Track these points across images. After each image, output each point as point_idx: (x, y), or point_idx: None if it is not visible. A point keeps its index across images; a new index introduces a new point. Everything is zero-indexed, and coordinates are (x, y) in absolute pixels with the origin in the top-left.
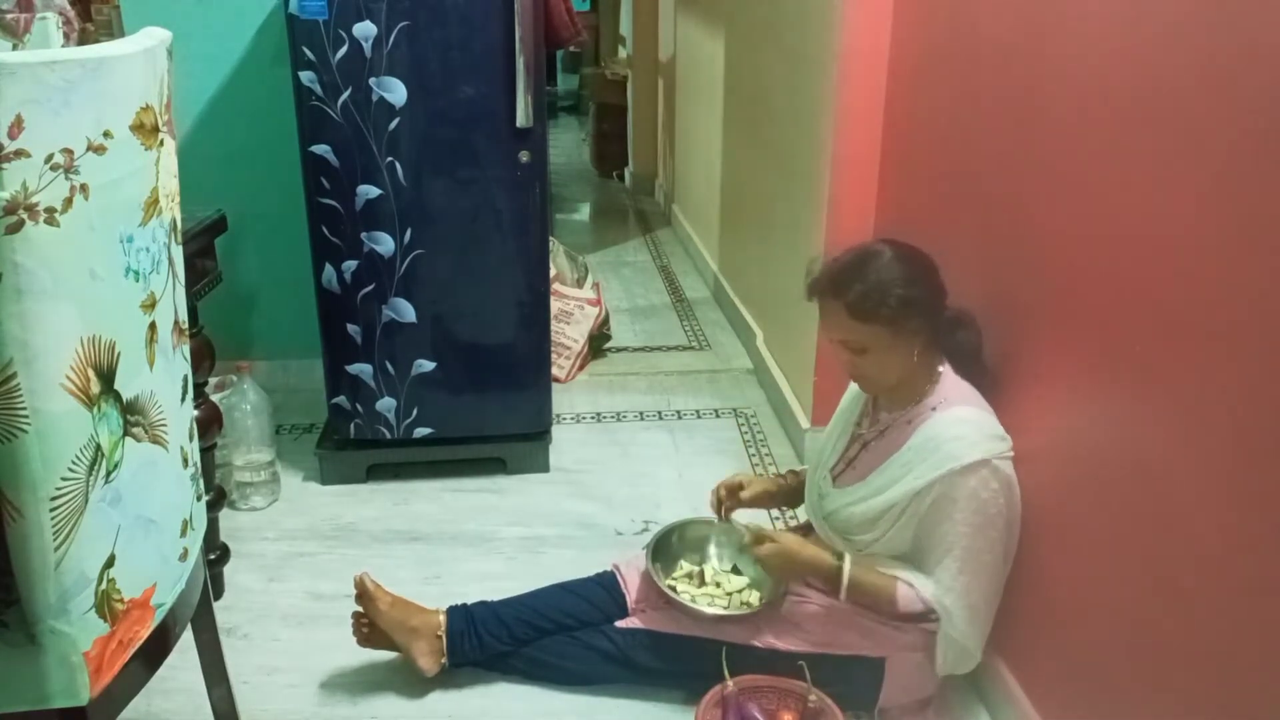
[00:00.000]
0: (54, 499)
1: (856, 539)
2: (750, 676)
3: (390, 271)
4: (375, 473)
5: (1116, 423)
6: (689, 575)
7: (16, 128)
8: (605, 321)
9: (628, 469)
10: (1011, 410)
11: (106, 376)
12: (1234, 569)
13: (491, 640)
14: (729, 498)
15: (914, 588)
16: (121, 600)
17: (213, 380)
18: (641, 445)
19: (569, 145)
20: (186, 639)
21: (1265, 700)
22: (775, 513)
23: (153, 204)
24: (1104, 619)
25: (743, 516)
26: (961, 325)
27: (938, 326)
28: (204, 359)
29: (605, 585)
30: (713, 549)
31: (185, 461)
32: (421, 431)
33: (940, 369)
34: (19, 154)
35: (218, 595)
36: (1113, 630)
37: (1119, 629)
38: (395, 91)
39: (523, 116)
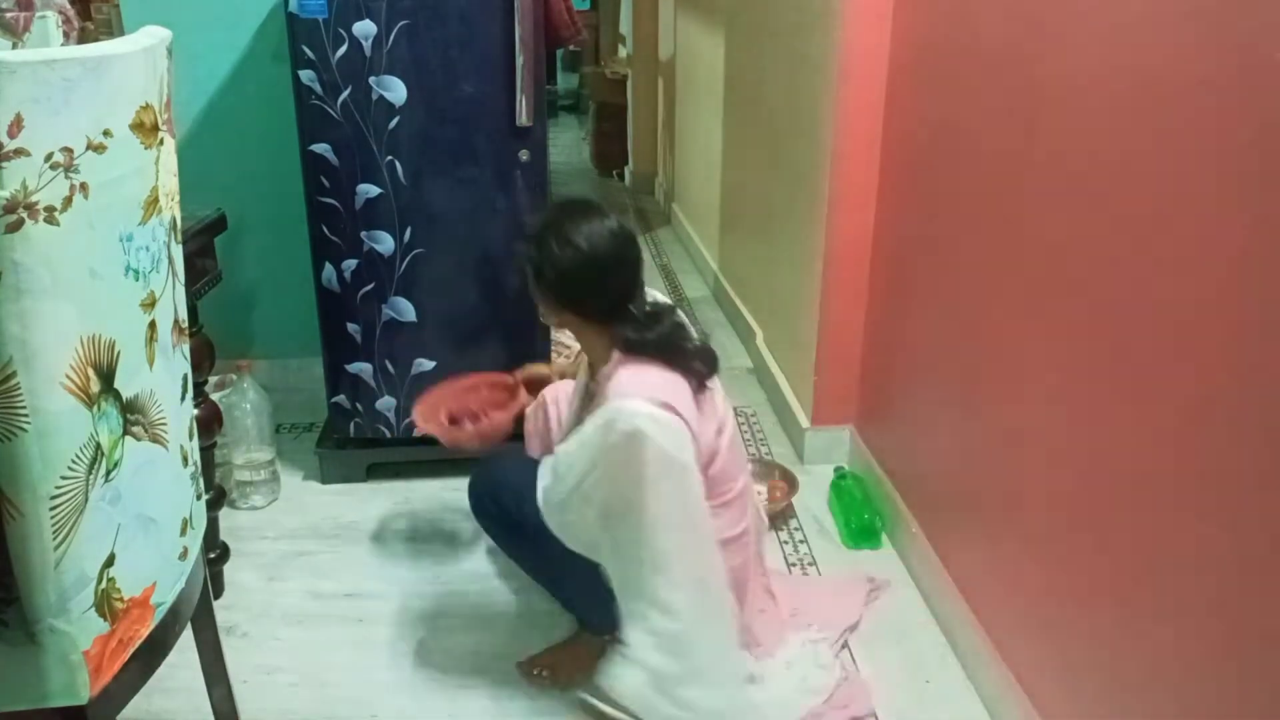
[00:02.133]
0: (54, 498)
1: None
2: None
3: (390, 270)
4: (375, 472)
5: (1115, 419)
6: None
7: (16, 126)
8: None
9: None
10: (1008, 403)
11: (106, 375)
12: (1233, 568)
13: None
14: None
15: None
16: (121, 599)
17: (213, 379)
18: None
19: (569, 144)
20: (186, 638)
21: (1266, 701)
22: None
23: (152, 203)
24: (1103, 616)
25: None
26: (642, 324)
27: (609, 312)
28: (204, 358)
29: None
30: None
31: (185, 460)
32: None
33: (614, 350)
34: (19, 153)
35: (217, 594)
36: (1111, 627)
37: (1117, 625)
38: (395, 90)
39: (523, 115)
